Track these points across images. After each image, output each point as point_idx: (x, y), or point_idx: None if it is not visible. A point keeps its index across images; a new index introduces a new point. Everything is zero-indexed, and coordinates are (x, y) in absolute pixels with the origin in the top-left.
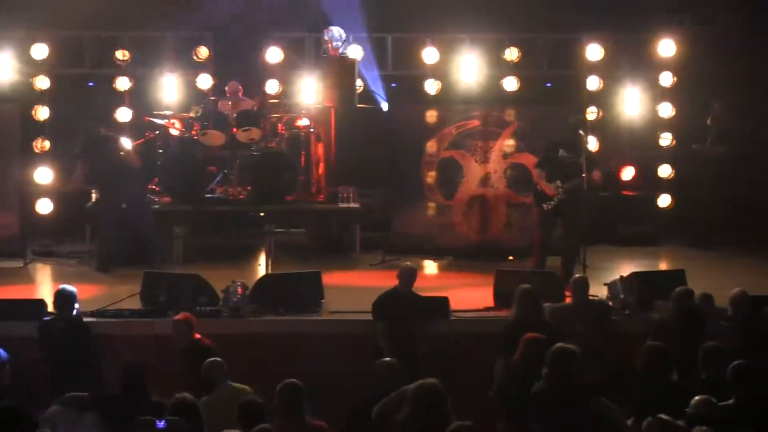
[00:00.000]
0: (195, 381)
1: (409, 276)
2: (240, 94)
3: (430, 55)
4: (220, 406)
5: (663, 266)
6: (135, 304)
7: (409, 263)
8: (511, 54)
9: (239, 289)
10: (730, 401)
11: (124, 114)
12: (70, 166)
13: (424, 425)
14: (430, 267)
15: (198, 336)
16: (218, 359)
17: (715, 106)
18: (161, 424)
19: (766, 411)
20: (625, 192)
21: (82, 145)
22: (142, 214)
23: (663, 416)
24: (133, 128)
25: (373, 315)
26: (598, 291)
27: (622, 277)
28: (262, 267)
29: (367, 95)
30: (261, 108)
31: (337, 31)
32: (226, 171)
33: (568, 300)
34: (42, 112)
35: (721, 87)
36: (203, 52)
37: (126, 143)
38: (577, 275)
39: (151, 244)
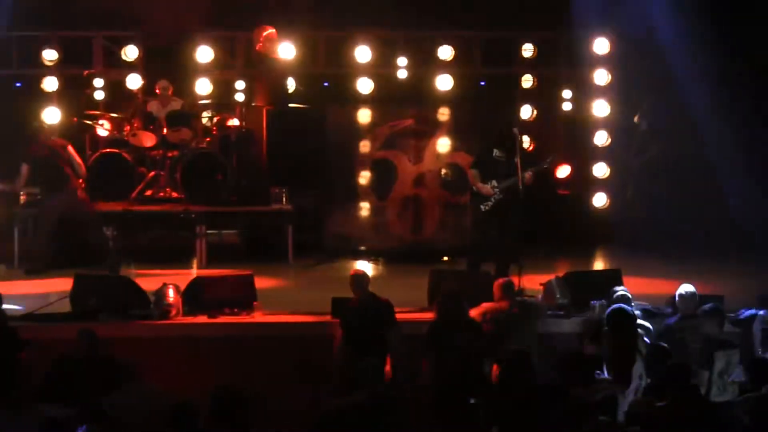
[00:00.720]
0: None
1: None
2: (170, 94)
3: (362, 53)
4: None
5: (599, 266)
6: (66, 307)
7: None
8: (445, 52)
9: (171, 292)
10: (664, 402)
11: (52, 115)
12: (15, 168)
13: None
14: (364, 268)
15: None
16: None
17: (637, 117)
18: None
19: (699, 412)
20: (560, 191)
21: (26, 147)
22: (87, 220)
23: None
24: (62, 129)
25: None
26: (535, 291)
27: (557, 277)
28: (194, 269)
29: (300, 94)
30: (191, 108)
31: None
32: (156, 172)
33: (503, 303)
34: None
35: (654, 86)
36: (132, 51)
37: (71, 149)
38: (507, 277)
39: (99, 249)
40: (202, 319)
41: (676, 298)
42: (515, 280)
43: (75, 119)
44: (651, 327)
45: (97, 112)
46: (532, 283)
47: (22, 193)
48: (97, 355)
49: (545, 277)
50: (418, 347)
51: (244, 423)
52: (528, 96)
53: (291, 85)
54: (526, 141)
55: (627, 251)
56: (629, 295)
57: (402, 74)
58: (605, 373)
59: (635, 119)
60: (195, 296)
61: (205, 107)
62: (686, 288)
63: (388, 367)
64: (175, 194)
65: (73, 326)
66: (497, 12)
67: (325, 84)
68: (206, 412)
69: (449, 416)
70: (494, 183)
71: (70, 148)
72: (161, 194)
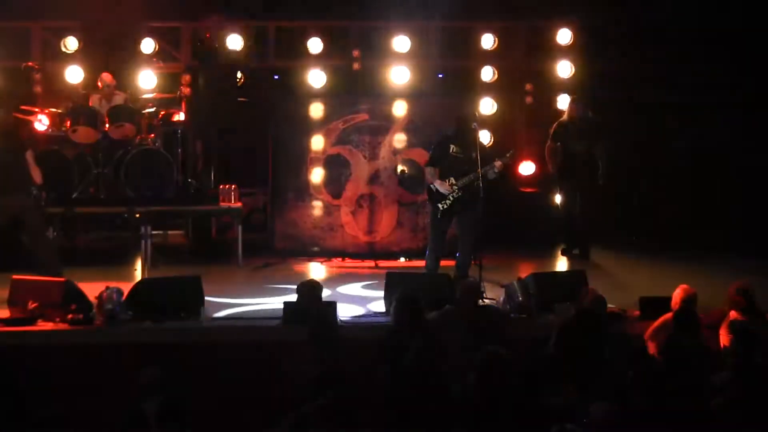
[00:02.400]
0: None
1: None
2: (112, 88)
3: (315, 45)
4: None
5: (562, 267)
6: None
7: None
8: (401, 43)
9: (114, 296)
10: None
11: None
12: None
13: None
14: (316, 270)
15: None
16: None
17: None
18: None
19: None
20: (523, 189)
21: None
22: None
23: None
24: None
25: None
26: (496, 293)
27: (519, 278)
28: (138, 272)
29: (249, 88)
30: (135, 102)
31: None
32: (98, 170)
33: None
34: None
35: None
36: (72, 42)
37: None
38: (468, 278)
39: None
40: (147, 324)
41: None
42: (475, 280)
43: (13, 114)
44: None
45: (35, 108)
46: (493, 285)
47: None
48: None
49: (506, 279)
50: (373, 353)
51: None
52: (489, 89)
53: (239, 77)
54: (485, 136)
55: (593, 251)
56: (603, 298)
57: (356, 66)
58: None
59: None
60: (139, 301)
61: (150, 101)
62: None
63: None
64: (117, 193)
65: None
66: (456, 0)
67: (275, 77)
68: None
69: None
70: (452, 180)
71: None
72: (103, 193)
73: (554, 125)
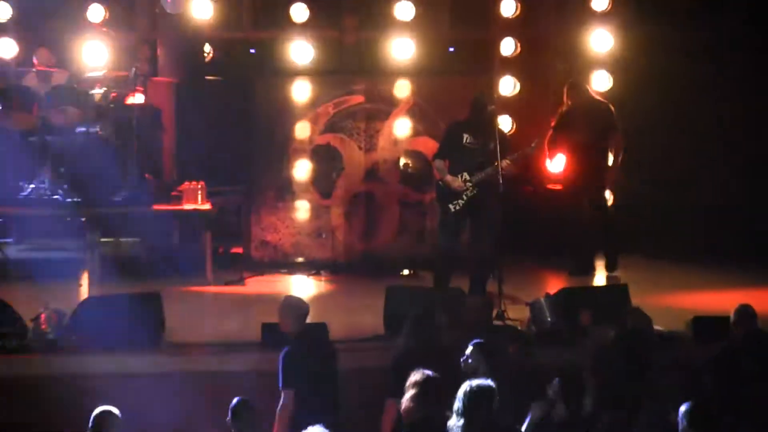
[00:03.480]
0: None
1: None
2: (52, 65)
3: (299, 12)
4: None
5: (599, 280)
6: None
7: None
8: (405, 11)
9: (54, 317)
10: None
11: None
12: None
13: None
14: (302, 285)
15: None
16: None
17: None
18: None
19: None
20: (551, 186)
21: None
22: None
23: None
24: None
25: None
26: (519, 313)
27: (547, 295)
28: (84, 288)
29: (219, 64)
30: (80, 82)
31: None
32: (35, 164)
33: None
34: None
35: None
36: (4, 10)
37: None
38: (484, 293)
39: None
40: (95, 352)
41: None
42: (494, 298)
43: None
44: None
45: None
46: (516, 303)
47: None
48: None
49: (532, 295)
50: (376, 386)
51: None
52: (509, 65)
53: (207, 52)
54: (505, 123)
55: (637, 260)
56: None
57: (349, 39)
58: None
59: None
60: (85, 323)
61: (98, 81)
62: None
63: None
64: (59, 193)
65: None
66: None
67: (252, 51)
68: None
69: None
70: (466, 176)
71: None
72: (42, 192)
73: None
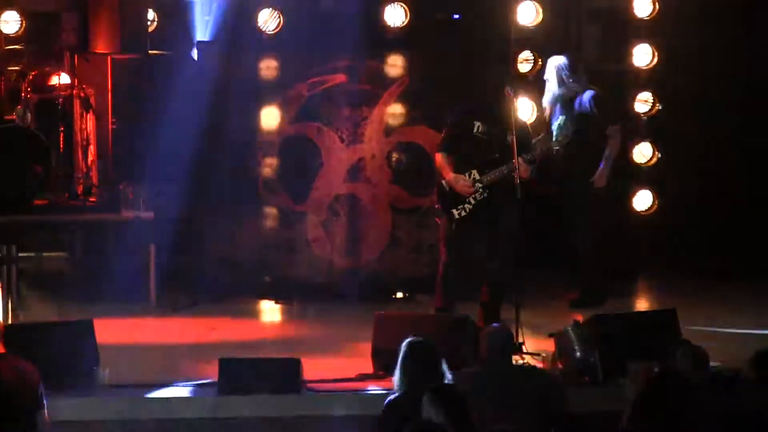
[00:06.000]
0: None
1: None
2: None
3: None
4: None
5: (640, 305)
6: None
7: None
8: None
9: None
10: None
11: None
12: None
13: None
14: (269, 312)
15: None
16: None
17: None
18: None
19: None
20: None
21: None
22: None
23: None
24: None
25: None
26: (541, 346)
27: (576, 323)
28: None
29: (166, 35)
30: None
31: None
32: None
33: None
34: None
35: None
36: None
37: None
38: (498, 320)
39: None
40: None
41: None
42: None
43: None
44: None
45: None
46: (536, 334)
47: None
48: None
49: (557, 323)
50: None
51: None
52: (530, 37)
53: (150, 20)
54: (526, 108)
55: (686, 279)
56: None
57: (328, 4)
58: None
59: None
60: None
61: (14, 58)
62: None
63: None
64: None
65: None
66: None
67: (206, 18)
68: None
69: None
70: (475, 175)
71: None
72: None
73: None
